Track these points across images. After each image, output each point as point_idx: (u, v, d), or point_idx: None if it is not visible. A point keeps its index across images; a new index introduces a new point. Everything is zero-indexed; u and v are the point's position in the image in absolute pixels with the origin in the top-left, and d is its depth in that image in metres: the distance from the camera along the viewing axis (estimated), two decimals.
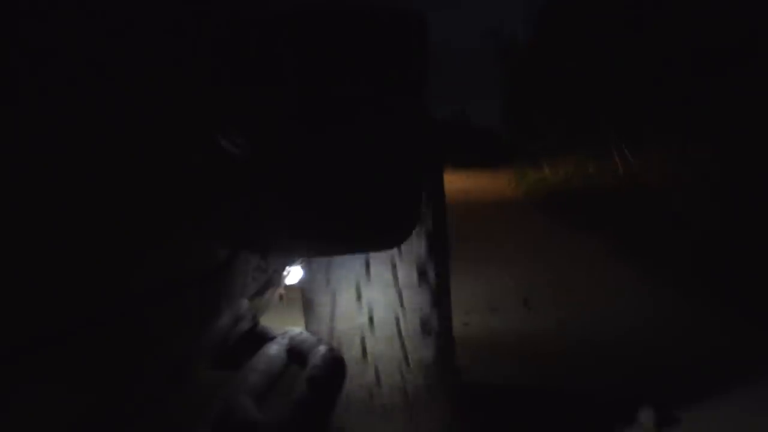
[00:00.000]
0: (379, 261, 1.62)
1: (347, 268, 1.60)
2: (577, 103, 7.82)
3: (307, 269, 1.59)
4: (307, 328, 1.68)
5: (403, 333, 1.61)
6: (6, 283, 0.50)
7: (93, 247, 0.72)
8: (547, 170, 9.49)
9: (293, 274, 1.41)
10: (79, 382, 0.73)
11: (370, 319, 1.60)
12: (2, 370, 0.50)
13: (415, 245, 1.63)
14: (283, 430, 0.91)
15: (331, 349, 1.13)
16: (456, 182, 10.52)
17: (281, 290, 1.41)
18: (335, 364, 1.08)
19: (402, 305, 1.62)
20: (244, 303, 1.10)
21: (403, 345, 1.61)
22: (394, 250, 1.60)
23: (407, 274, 1.63)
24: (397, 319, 1.61)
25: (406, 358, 1.60)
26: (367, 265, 1.60)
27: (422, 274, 1.64)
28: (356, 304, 1.62)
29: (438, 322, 1.67)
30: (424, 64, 1.56)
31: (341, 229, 0.98)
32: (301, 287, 1.70)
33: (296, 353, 1.23)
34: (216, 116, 0.79)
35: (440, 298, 1.69)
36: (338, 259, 1.61)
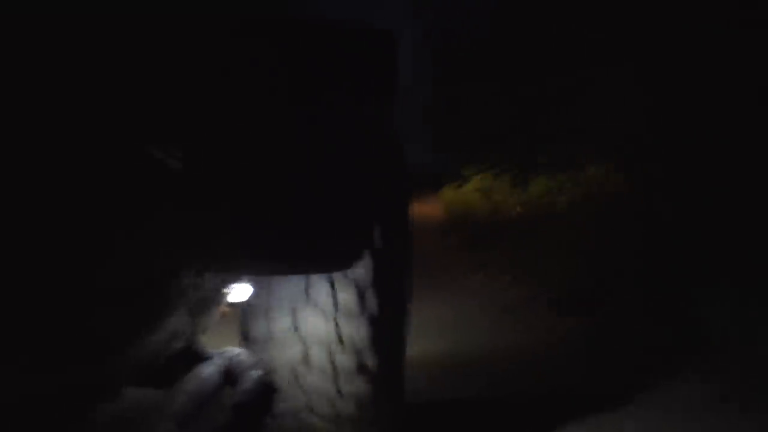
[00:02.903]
0: (319, 287, 1.51)
1: (286, 293, 1.50)
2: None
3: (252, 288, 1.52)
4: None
5: (338, 368, 1.51)
6: None
7: (19, 259, 0.69)
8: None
9: (238, 292, 1.37)
10: None
11: (305, 351, 1.50)
12: None
13: (358, 271, 1.52)
14: None
15: (265, 374, 1.09)
16: None
17: (224, 308, 1.37)
18: (264, 390, 1.04)
19: (339, 339, 1.52)
20: (178, 320, 1.06)
21: (336, 379, 1.52)
22: (334, 277, 1.51)
23: (347, 303, 1.52)
24: (332, 354, 1.51)
25: (339, 391, 1.51)
26: (307, 291, 1.50)
27: (362, 303, 1.52)
28: (293, 334, 1.52)
29: (377, 359, 1.57)
30: (395, 83, 1.54)
31: (281, 248, 0.95)
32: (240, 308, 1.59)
33: (231, 375, 1.19)
34: (150, 127, 0.76)
35: (381, 331, 1.55)
36: (277, 283, 1.50)
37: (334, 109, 1.13)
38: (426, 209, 9.39)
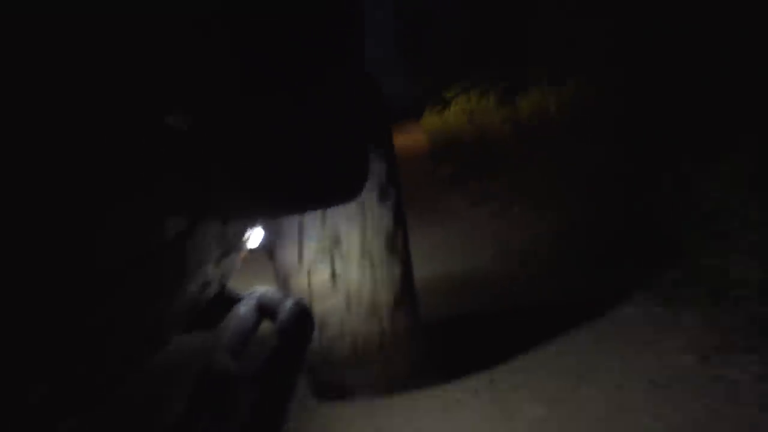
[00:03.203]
0: (350, 233, 1.66)
1: (318, 242, 1.65)
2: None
3: (278, 241, 1.65)
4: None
5: (378, 302, 1.69)
6: None
7: (57, 223, 0.76)
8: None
9: (254, 238, 1.47)
10: (60, 348, 0.78)
11: (347, 293, 1.67)
12: None
13: (384, 213, 1.68)
14: (258, 379, 1.00)
15: (297, 303, 1.21)
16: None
17: (244, 253, 1.47)
18: (303, 315, 1.16)
19: (375, 277, 1.69)
20: (210, 269, 1.17)
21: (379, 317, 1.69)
22: (363, 222, 1.65)
23: (377, 244, 1.68)
24: (373, 287, 1.68)
25: (382, 326, 1.69)
26: (337, 239, 1.65)
27: (391, 244, 1.69)
28: (330, 280, 1.67)
29: (408, 290, 1.75)
30: (360, 21, 1.59)
31: (294, 190, 1.05)
32: (274, 262, 1.75)
33: (266, 310, 1.31)
34: (161, 97, 0.83)
35: (407, 266, 1.75)
36: (310, 233, 1.65)
37: (311, 56, 1.19)
38: (408, 139, 8.84)
